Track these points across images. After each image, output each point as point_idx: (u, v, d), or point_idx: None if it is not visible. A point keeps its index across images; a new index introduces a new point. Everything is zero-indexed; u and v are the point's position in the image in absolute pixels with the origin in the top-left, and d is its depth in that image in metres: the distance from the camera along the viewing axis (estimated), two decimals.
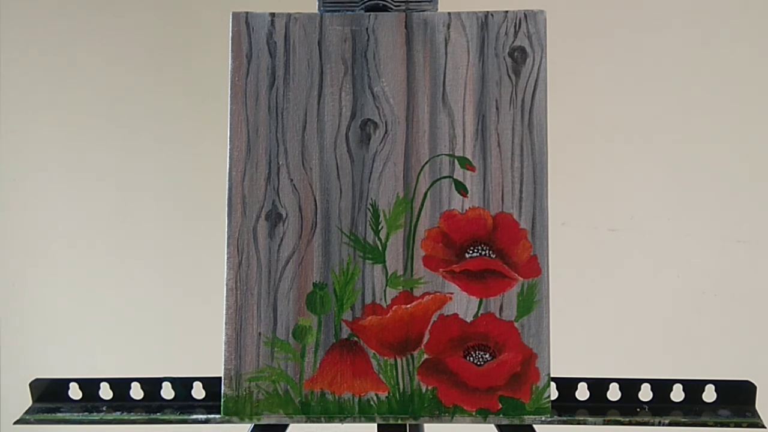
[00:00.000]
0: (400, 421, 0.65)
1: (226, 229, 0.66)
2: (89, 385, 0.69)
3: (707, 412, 0.66)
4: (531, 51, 0.66)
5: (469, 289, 0.65)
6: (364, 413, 0.65)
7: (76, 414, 0.67)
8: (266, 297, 0.65)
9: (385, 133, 0.66)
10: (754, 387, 0.66)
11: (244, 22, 0.67)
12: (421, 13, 0.67)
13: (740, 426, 0.65)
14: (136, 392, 0.69)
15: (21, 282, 1.35)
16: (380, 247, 0.66)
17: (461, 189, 0.66)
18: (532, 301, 0.65)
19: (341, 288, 0.66)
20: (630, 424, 0.65)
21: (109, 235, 1.33)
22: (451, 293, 0.65)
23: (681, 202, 1.24)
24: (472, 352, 0.65)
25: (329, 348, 0.65)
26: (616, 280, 1.26)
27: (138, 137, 1.32)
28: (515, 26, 0.66)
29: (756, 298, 1.24)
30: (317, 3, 0.68)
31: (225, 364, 0.65)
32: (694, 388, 0.67)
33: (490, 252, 0.65)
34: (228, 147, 0.66)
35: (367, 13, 0.67)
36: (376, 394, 0.65)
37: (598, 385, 0.67)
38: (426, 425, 0.78)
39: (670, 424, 0.65)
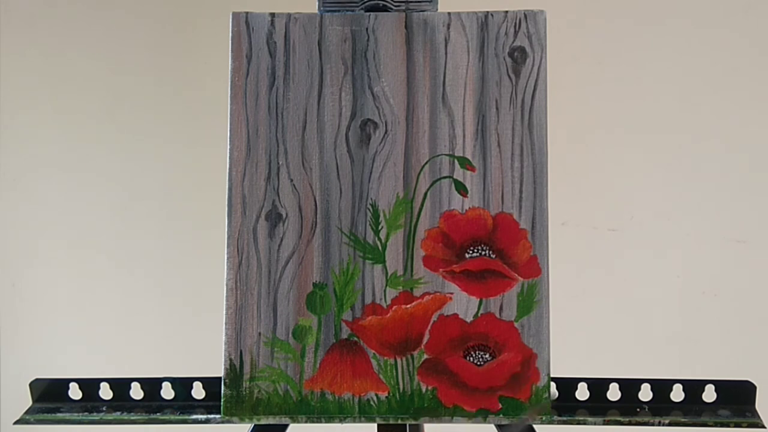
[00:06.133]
0: (400, 421, 0.65)
1: (226, 229, 0.66)
2: (89, 385, 0.69)
3: (707, 412, 0.66)
4: (531, 51, 0.66)
5: (469, 289, 0.65)
6: (364, 413, 0.65)
7: (76, 414, 0.67)
8: (266, 297, 0.65)
9: (385, 133, 0.66)
10: (754, 387, 0.66)
11: (244, 22, 0.67)
12: (421, 13, 0.67)
13: (740, 426, 0.65)
14: (136, 392, 0.69)
15: (21, 282, 1.35)
16: (380, 247, 0.66)
17: (461, 189, 0.66)
18: (532, 301, 0.65)
19: (341, 288, 0.66)
20: (630, 424, 0.65)
21: (109, 235, 1.33)
22: (451, 293, 0.65)
23: (681, 202, 1.24)
24: (472, 352, 0.65)
25: (329, 348, 0.65)
26: (616, 280, 1.25)
27: (137, 137, 1.32)
28: (515, 26, 0.66)
29: (756, 298, 1.24)
30: (317, 3, 0.68)
31: (225, 364, 0.65)
32: (694, 388, 0.67)
33: (490, 252, 0.65)
34: (228, 147, 0.66)
35: (367, 13, 0.67)
36: (376, 394, 0.65)
37: (598, 385, 0.67)
38: (426, 425, 0.78)
39: (670, 424, 0.65)
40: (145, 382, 0.69)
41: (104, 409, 0.68)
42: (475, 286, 0.65)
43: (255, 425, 0.66)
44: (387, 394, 0.65)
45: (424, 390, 0.65)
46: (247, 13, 0.67)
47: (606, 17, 1.24)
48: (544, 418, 0.65)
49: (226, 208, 0.66)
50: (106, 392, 0.69)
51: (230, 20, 0.67)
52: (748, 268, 1.24)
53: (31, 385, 0.69)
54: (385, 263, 0.66)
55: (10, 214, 1.34)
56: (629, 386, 0.67)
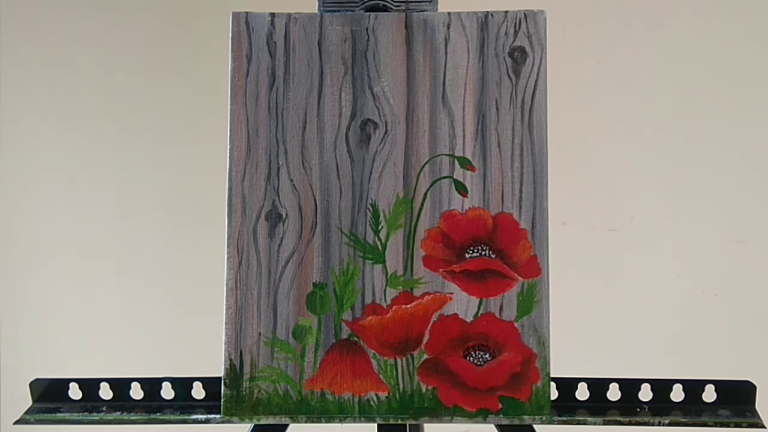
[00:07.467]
0: (400, 421, 0.65)
1: (226, 229, 0.66)
2: (89, 385, 0.69)
3: (707, 412, 0.66)
4: (531, 51, 0.66)
5: (469, 289, 0.65)
6: (364, 413, 0.65)
7: (76, 414, 0.67)
8: (266, 297, 0.65)
9: (385, 133, 0.66)
10: (754, 387, 0.66)
11: (244, 22, 0.67)
12: (421, 13, 0.67)
13: (740, 426, 0.65)
14: (136, 392, 0.69)
15: (21, 282, 1.35)
16: (380, 247, 0.66)
17: (461, 189, 0.66)
18: (532, 301, 0.65)
19: (341, 288, 0.66)
20: (630, 424, 0.65)
21: (109, 235, 1.33)
22: (451, 293, 0.65)
23: (681, 202, 1.24)
24: (472, 352, 0.65)
25: (329, 348, 0.65)
26: (616, 280, 1.26)
27: (137, 137, 1.32)
28: (515, 26, 0.66)
29: (756, 298, 1.24)
30: (317, 3, 0.68)
31: (225, 364, 0.65)
32: (694, 388, 0.67)
33: (490, 252, 0.65)
34: (228, 147, 0.66)
35: (367, 13, 0.67)
36: (376, 394, 0.65)
37: (598, 385, 0.67)
38: (426, 425, 0.78)
39: (670, 424, 0.65)
40: (145, 382, 0.69)
41: (104, 409, 0.68)
42: (475, 286, 0.65)
43: (255, 425, 0.66)
44: (387, 394, 0.65)
45: (424, 390, 0.65)
46: (247, 13, 0.67)
47: (606, 17, 1.24)
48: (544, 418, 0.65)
49: (226, 208, 0.66)
50: (106, 392, 0.69)
51: (230, 20, 0.67)
52: (748, 268, 1.24)
53: (31, 385, 0.69)
54: (385, 263, 0.66)
55: (10, 214, 1.34)
56: (629, 386, 0.67)
